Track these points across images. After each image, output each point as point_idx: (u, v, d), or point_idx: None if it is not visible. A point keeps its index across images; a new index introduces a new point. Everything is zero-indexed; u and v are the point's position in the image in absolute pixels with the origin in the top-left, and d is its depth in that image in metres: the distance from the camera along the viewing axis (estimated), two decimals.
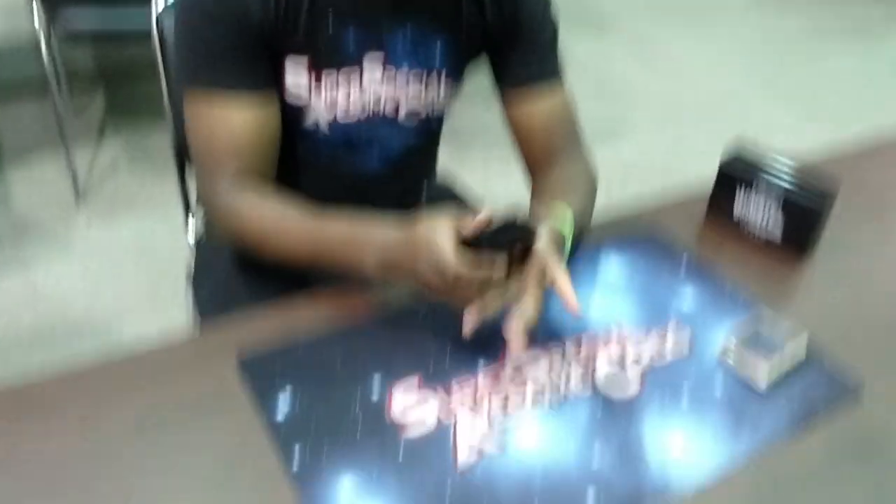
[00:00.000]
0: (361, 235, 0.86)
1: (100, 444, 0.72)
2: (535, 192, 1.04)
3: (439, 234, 0.78)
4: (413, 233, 0.81)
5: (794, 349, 0.86)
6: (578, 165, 1.04)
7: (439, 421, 0.77)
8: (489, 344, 0.85)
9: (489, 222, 0.78)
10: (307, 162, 1.03)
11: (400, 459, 0.73)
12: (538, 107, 1.02)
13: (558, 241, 0.85)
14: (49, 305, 1.96)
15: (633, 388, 0.82)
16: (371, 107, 0.99)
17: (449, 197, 1.27)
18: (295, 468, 0.71)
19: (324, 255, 0.88)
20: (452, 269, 0.77)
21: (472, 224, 0.79)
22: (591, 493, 0.71)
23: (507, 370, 0.82)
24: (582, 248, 1.02)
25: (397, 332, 0.86)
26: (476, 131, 2.64)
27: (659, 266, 0.99)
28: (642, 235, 1.05)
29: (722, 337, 0.87)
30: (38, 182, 2.38)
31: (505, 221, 0.78)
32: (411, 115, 1.02)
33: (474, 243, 0.79)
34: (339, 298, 0.91)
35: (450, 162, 1.17)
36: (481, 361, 0.83)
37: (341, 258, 0.87)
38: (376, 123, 1.00)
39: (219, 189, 0.93)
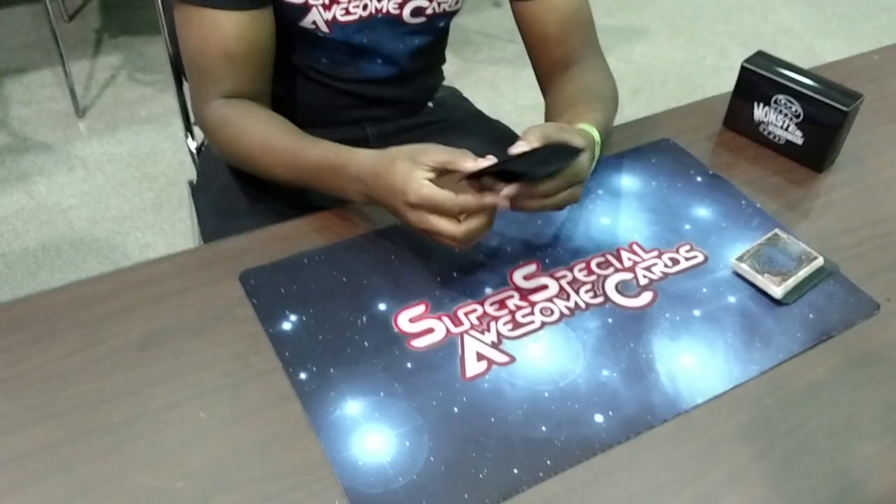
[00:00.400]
0: (339, 165, 0.82)
1: (103, 363, 0.71)
2: (553, 104, 0.97)
3: (413, 169, 0.73)
4: (387, 167, 0.76)
5: (810, 268, 0.84)
6: (599, 73, 0.98)
7: (447, 331, 0.76)
8: (496, 270, 0.83)
9: (532, 151, 0.72)
10: (308, 68, 0.99)
11: (407, 367, 0.72)
12: (553, 6, 0.97)
13: (590, 161, 0.80)
14: (53, 221, 1.95)
15: (645, 297, 0.81)
16: (373, 4, 0.93)
17: (457, 102, 1.22)
18: (301, 378, 0.71)
19: (307, 180, 0.86)
20: (424, 199, 0.72)
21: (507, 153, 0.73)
22: (599, 402, 0.71)
23: (515, 296, 0.80)
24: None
25: (402, 256, 0.84)
26: (483, 36, 2.56)
27: (673, 179, 0.96)
28: (656, 146, 1.01)
29: (737, 255, 0.85)
30: (36, 95, 2.33)
31: (546, 147, 0.72)
32: (416, 12, 0.96)
33: (522, 172, 0.72)
34: (342, 217, 0.88)
35: (454, 70, 1.12)
36: (487, 289, 0.81)
37: (324, 185, 0.85)
38: (379, 23, 0.95)
39: (209, 104, 0.90)
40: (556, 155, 0.74)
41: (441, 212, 0.73)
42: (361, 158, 0.80)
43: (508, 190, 0.72)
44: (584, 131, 0.81)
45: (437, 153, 0.74)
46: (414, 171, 0.73)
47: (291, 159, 0.86)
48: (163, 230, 1.94)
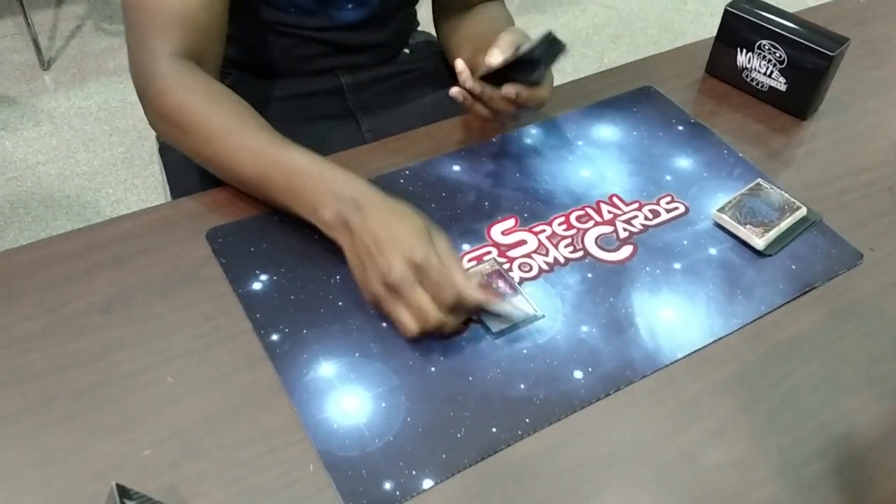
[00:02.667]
0: (327, 176, 0.71)
1: (64, 327, 0.69)
2: (471, 32, 0.97)
3: (443, 238, 0.68)
4: (404, 208, 0.69)
5: (792, 218, 0.82)
6: (500, 8, 1.00)
7: None
8: (473, 226, 0.80)
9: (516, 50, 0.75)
10: (276, 21, 0.95)
11: (383, 327, 0.70)
12: None
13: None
14: (20, 177, 1.90)
15: (625, 251, 0.79)
16: None
17: (434, 49, 1.18)
18: (273, 339, 0.69)
19: (271, 186, 0.73)
20: (458, 286, 0.65)
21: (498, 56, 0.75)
22: (578, 358, 0.69)
23: (493, 252, 0.78)
24: (569, 110, 0.96)
25: None
26: None
27: (654, 128, 0.94)
28: (637, 94, 0.98)
29: (719, 206, 0.83)
30: None
31: (533, 44, 0.74)
32: None
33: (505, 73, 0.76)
34: None
35: (429, 16, 1.08)
36: (464, 245, 0.79)
37: (292, 196, 0.72)
38: None
39: (156, 71, 0.77)
40: (535, 60, 0.77)
41: (431, 293, 0.66)
42: (360, 181, 0.72)
43: (510, 88, 0.75)
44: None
45: (448, 246, 0.69)
46: (427, 238, 0.67)
47: (264, 153, 0.74)
48: (134, 185, 1.90)
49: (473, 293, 0.66)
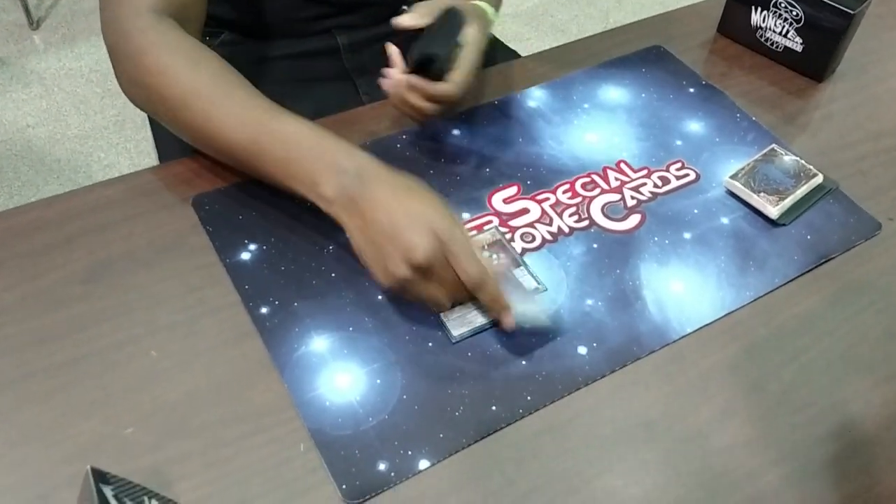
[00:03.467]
0: (327, 146, 0.65)
1: (43, 298, 0.65)
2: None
3: (455, 220, 0.63)
4: (413, 181, 0.64)
5: (808, 186, 0.78)
6: None
7: None
8: (473, 194, 0.76)
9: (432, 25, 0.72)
10: None
11: (378, 300, 0.67)
12: None
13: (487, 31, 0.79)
14: (9, 140, 1.85)
15: (632, 220, 0.75)
16: None
17: None
18: (262, 312, 0.65)
19: (262, 157, 0.67)
20: (476, 268, 0.61)
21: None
22: (582, 333, 0.66)
23: (494, 222, 0.74)
24: (575, 71, 0.91)
25: None
26: None
27: (664, 90, 0.89)
28: (645, 54, 0.94)
29: (731, 173, 0.79)
30: None
31: (442, 19, 0.72)
32: None
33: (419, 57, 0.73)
34: None
35: None
36: (464, 213, 0.75)
37: (286, 169, 0.66)
38: None
39: (132, 27, 0.71)
40: (449, 30, 0.75)
41: (467, 256, 0.62)
42: (362, 152, 0.65)
43: (413, 81, 0.71)
44: (476, 6, 0.78)
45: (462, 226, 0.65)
46: (449, 213, 0.63)
47: (255, 118, 0.67)
48: (126, 149, 1.85)
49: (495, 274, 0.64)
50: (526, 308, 0.65)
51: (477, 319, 0.66)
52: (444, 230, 0.61)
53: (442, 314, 0.66)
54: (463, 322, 0.66)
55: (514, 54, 1.06)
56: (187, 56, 0.71)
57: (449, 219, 0.62)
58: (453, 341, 0.65)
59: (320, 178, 0.64)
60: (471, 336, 0.65)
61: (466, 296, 0.64)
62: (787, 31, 0.92)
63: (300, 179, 0.65)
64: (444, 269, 0.62)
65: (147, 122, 1.04)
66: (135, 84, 0.73)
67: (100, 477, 0.47)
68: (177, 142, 0.94)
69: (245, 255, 0.69)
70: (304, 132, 0.66)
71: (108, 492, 0.47)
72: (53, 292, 0.66)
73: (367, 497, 0.56)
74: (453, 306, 0.65)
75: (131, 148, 1.85)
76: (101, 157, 1.83)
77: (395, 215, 0.61)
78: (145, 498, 0.50)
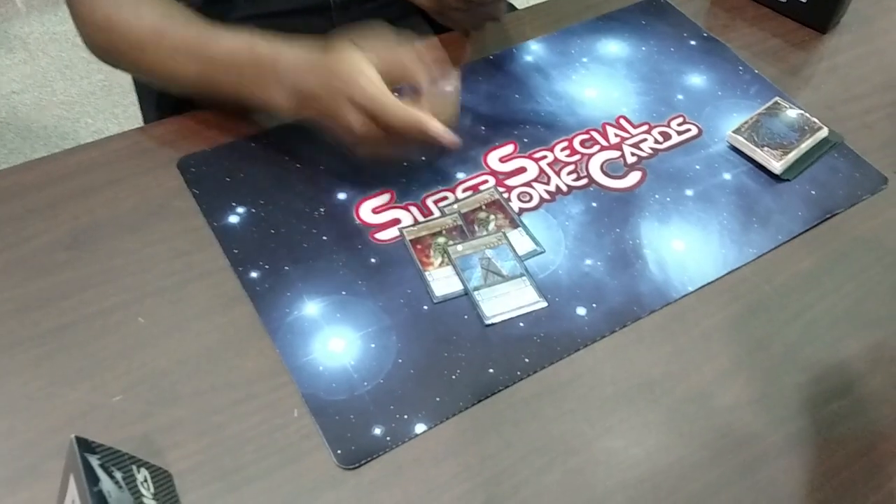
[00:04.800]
0: (265, 56, 0.66)
1: (26, 265, 0.63)
2: None
3: (363, 62, 0.63)
4: (331, 56, 0.64)
5: (813, 139, 0.76)
6: None
7: (416, 222, 0.68)
8: (468, 153, 0.74)
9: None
10: None
11: (371, 262, 0.65)
12: None
13: None
14: None
15: (632, 178, 0.73)
16: None
17: None
18: (252, 277, 0.63)
19: (213, 76, 0.68)
20: (378, 101, 0.62)
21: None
22: (581, 294, 0.64)
23: (490, 181, 0.72)
24: (572, 24, 0.88)
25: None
26: None
27: (664, 43, 0.86)
28: (645, 6, 0.91)
29: (734, 127, 0.77)
30: None
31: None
32: None
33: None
34: None
35: None
36: (459, 174, 0.73)
37: (237, 83, 0.67)
38: None
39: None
40: None
41: (380, 121, 0.62)
42: (293, 49, 0.66)
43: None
44: None
45: (386, 51, 0.64)
46: (362, 63, 0.63)
47: (197, 47, 0.69)
48: (114, 115, 1.82)
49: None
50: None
51: (459, 285, 0.64)
52: (360, 96, 0.62)
53: (426, 273, 0.64)
54: (448, 284, 0.64)
55: (509, 7, 1.03)
56: (130, 3, 0.71)
57: (358, 86, 0.62)
58: (435, 301, 0.63)
59: (268, 94, 0.66)
60: (454, 298, 0.64)
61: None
62: None
63: (255, 102, 0.68)
64: (372, 132, 0.63)
65: (133, 86, 1.01)
66: (94, 41, 0.74)
67: (85, 446, 0.45)
68: (161, 104, 0.92)
69: (233, 218, 0.67)
70: (239, 49, 0.67)
71: (94, 461, 0.45)
72: (36, 259, 0.64)
73: (363, 462, 0.55)
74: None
75: (119, 113, 1.82)
76: (88, 122, 1.80)
77: (325, 103, 0.64)
78: (134, 467, 0.49)
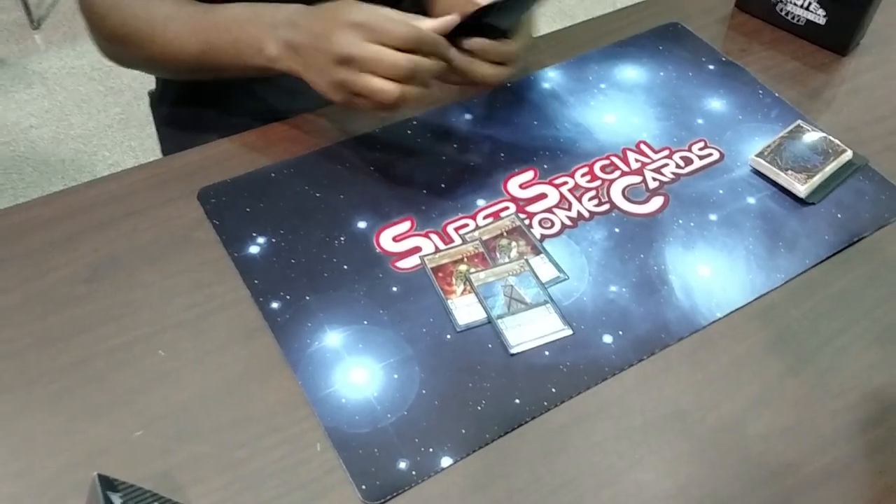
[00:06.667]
0: (261, 12, 0.68)
1: (46, 298, 0.63)
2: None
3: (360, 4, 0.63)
4: (329, 4, 0.65)
5: (837, 162, 0.75)
6: None
7: (436, 250, 0.68)
8: (488, 179, 0.73)
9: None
10: None
11: (393, 291, 0.64)
12: None
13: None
14: (13, 142, 1.83)
15: (655, 203, 0.72)
16: None
17: None
18: (273, 307, 0.63)
19: (216, 52, 0.70)
20: (366, 19, 0.61)
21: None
22: (607, 321, 0.63)
23: (511, 208, 0.71)
24: (589, 51, 0.88)
25: (382, 166, 0.74)
26: None
27: (683, 68, 0.86)
28: (663, 31, 0.91)
29: (756, 151, 0.76)
30: None
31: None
32: None
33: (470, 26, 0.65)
34: (313, 124, 0.79)
35: None
36: (480, 200, 0.72)
37: (235, 46, 0.69)
38: None
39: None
40: (513, 6, 0.66)
41: (385, 40, 0.61)
42: (291, 5, 0.68)
43: (476, 42, 0.64)
44: None
45: (386, 12, 0.63)
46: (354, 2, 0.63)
47: (198, 23, 0.71)
48: (131, 147, 1.83)
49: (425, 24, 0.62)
50: None
51: (482, 313, 0.63)
52: (357, 15, 0.61)
53: (448, 301, 0.63)
54: (471, 312, 0.63)
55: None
56: (124, 4, 0.73)
57: (354, 6, 0.62)
58: (458, 330, 0.62)
59: (262, 42, 0.67)
60: (477, 326, 0.63)
61: (413, 67, 0.61)
62: (810, 4, 0.89)
63: (249, 53, 0.68)
64: (370, 51, 0.60)
65: (151, 118, 1.02)
66: (105, 40, 0.76)
67: (107, 484, 0.45)
68: (179, 132, 0.92)
69: (254, 249, 0.67)
70: (240, 10, 0.69)
71: (116, 500, 0.44)
72: (56, 292, 0.64)
73: (388, 497, 0.53)
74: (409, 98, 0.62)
75: (136, 146, 1.83)
76: (105, 155, 1.81)
77: (313, 30, 0.63)
78: None
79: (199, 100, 0.93)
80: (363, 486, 0.54)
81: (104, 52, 0.79)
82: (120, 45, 0.76)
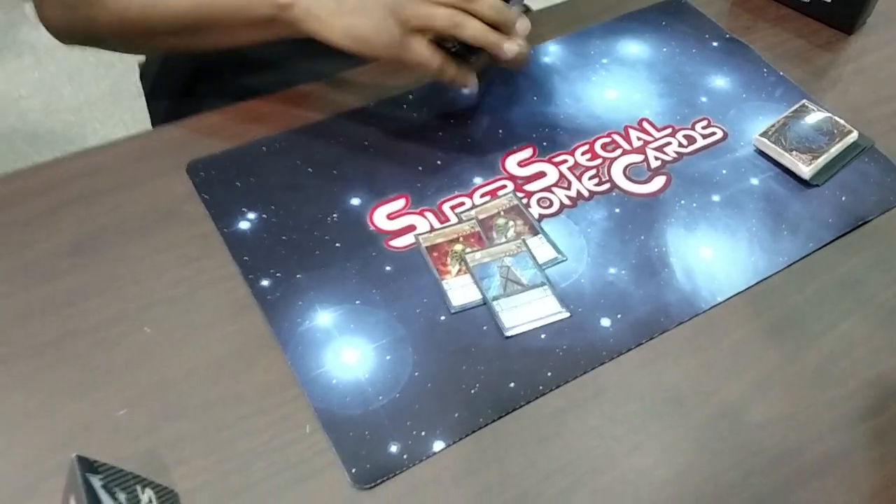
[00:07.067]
0: None
1: (28, 272, 0.61)
2: None
3: None
4: None
5: (843, 143, 0.73)
6: None
7: (431, 229, 0.66)
8: (486, 157, 0.71)
9: None
10: None
11: (386, 270, 0.63)
12: None
13: None
14: (3, 112, 1.80)
15: (657, 182, 0.71)
16: None
17: None
18: (262, 285, 0.61)
19: (213, 5, 0.63)
20: None
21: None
22: (605, 304, 0.61)
23: (508, 186, 0.69)
24: (591, 25, 0.86)
25: (377, 142, 0.72)
26: None
27: (686, 45, 0.84)
28: (666, 7, 0.88)
29: (760, 130, 0.74)
30: None
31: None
32: None
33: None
34: (307, 96, 0.76)
35: None
36: (476, 178, 0.70)
37: (239, 5, 0.62)
38: None
39: None
40: None
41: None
42: None
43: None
44: None
45: None
46: None
47: None
48: (122, 120, 1.80)
49: None
50: None
51: (477, 294, 0.61)
52: None
53: (443, 281, 0.61)
54: (466, 293, 0.61)
55: (525, 8, 1.00)
56: None
57: None
58: (452, 311, 0.60)
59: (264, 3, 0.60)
60: (472, 308, 0.61)
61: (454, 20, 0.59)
62: None
63: (257, 8, 0.61)
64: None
65: (142, 91, 1.00)
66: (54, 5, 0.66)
67: (87, 466, 0.43)
68: (171, 107, 0.90)
69: (244, 224, 0.65)
70: None
71: (96, 482, 0.43)
72: (39, 266, 0.62)
73: (379, 481, 0.52)
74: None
75: (127, 119, 1.80)
76: (96, 128, 1.78)
77: None
78: (138, 487, 0.46)
79: (189, 72, 0.91)
80: (353, 470, 0.52)
81: (47, 21, 0.70)
82: (79, 5, 0.66)
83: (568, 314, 0.61)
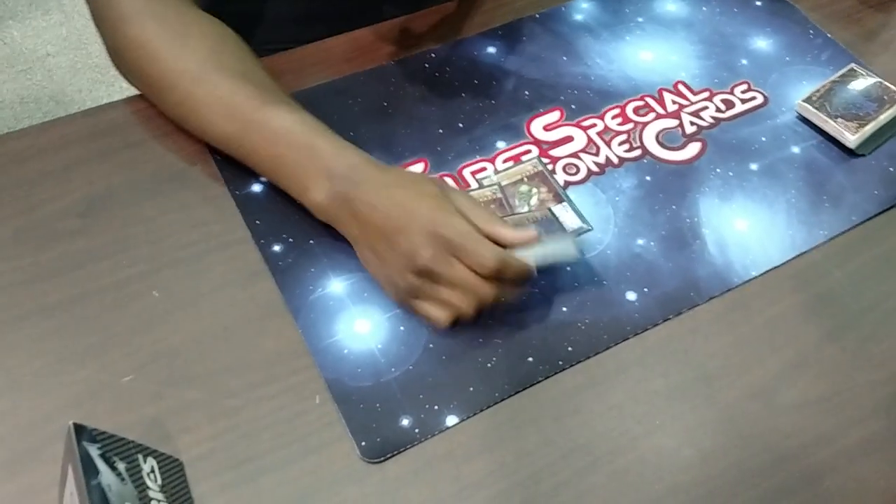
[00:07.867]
0: (319, 149, 0.57)
1: (37, 232, 0.60)
2: None
3: (466, 198, 0.56)
4: (408, 174, 0.58)
5: (892, 111, 0.69)
6: None
7: None
8: (510, 119, 0.68)
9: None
10: None
11: None
12: None
13: None
14: (30, 70, 1.79)
15: (691, 149, 0.67)
16: None
17: None
18: (275, 250, 0.59)
19: (250, 152, 0.60)
20: (494, 254, 0.52)
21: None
22: (632, 277, 0.59)
23: (533, 151, 0.66)
24: None
25: (396, 102, 0.69)
26: None
27: (727, 3, 0.79)
28: None
29: (804, 96, 0.70)
30: None
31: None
32: None
33: None
34: (322, 55, 0.73)
35: None
36: (500, 142, 0.67)
37: (274, 169, 0.59)
38: None
39: (123, 8, 0.61)
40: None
41: (473, 265, 0.52)
42: (355, 150, 0.58)
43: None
44: None
45: (470, 202, 0.56)
46: (446, 202, 0.54)
47: (239, 104, 0.59)
48: None
49: (516, 238, 0.54)
50: (550, 247, 0.56)
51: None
52: (445, 224, 0.52)
53: None
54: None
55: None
56: (176, 29, 0.61)
57: (446, 212, 0.53)
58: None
59: (310, 183, 0.57)
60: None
61: (493, 296, 0.54)
62: None
63: (289, 182, 0.59)
64: (452, 268, 0.53)
65: None
66: (116, 55, 0.64)
67: (84, 434, 0.42)
68: None
69: (256, 187, 0.63)
70: (295, 130, 0.58)
71: (93, 451, 0.41)
72: (48, 226, 0.60)
73: (389, 455, 0.50)
74: (478, 316, 0.55)
75: None
76: (123, 86, 1.76)
77: (391, 218, 0.54)
78: (140, 456, 0.45)
79: None
80: (363, 443, 0.50)
81: (116, 67, 0.66)
82: (136, 74, 0.64)
83: (591, 227, 0.59)
